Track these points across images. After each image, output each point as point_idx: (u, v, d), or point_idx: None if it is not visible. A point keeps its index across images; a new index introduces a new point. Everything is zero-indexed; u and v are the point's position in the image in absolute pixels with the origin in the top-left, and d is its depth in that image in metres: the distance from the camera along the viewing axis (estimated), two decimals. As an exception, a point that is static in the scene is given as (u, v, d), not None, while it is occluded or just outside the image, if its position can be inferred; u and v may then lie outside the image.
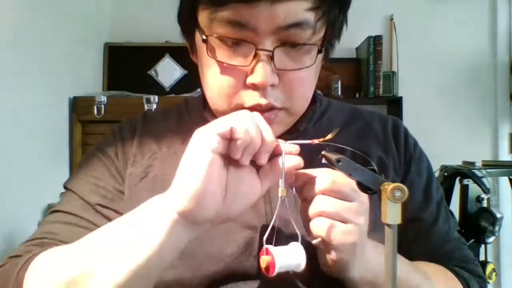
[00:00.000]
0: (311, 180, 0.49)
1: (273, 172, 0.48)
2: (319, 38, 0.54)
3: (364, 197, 0.48)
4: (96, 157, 0.65)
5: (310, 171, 0.49)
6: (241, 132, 0.44)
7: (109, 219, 0.60)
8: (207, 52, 0.53)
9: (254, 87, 0.52)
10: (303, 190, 0.50)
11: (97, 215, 0.60)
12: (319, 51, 0.55)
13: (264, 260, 0.46)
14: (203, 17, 0.53)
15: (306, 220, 0.49)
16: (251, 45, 0.51)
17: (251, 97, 0.53)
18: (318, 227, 0.47)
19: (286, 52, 0.53)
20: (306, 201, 0.49)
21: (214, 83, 0.55)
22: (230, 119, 0.45)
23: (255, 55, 0.51)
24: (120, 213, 0.60)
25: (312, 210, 0.48)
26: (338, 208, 0.46)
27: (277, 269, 0.46)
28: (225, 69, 0.53)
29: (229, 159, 0.46)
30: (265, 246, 0.47)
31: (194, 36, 0.58)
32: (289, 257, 0.47)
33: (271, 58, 0.51)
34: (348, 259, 0.48)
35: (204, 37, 0.53)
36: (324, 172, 0.48)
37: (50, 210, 0.63)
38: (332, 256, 0.48)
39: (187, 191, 0.44)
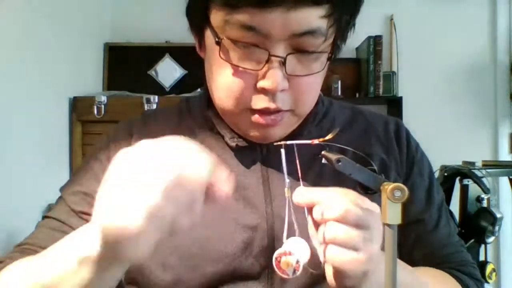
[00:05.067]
0: (321, 202, 0.46)
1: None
2: (329, 44, 0.55)
3: (379, 220, 0.46)
4: (86, 164, 0.66)
5: (321, 193, 0.46)
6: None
7: None
8: (220, 54, 0.53)
9: (264, 91, 0.53)
10: (313, 211, 0.47)
11: (81, 221, 0.61)
12: (329, 58, 0.55)
13: (287, 263, 0.46)
14: (216, 18, 0.53)
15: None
16: (263, 50, 0.51)
17: (261, 101, 0.53)
18: (330, 255, 0.45)
19: (297, 58, 0.53)
20: (317, 222, 0.47)
21: (224, 84, 0.55)
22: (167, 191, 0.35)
23: (268, 60, 0.51)
24: None
25: (325, 235, 0.45)
26: (351, 236, 0.44)
27: (301, 267, 0.46)
28: (236, 71, 0.53)
29: None
30: (286, 248, 0.47)
31: (203, 32, 0.58)
32: (303, 251, 0.47)
33: (283, 64, 0.51)
34: (358, 285, 0.47)
35: (217, 39, 0.53)
36: (337, 198, 0.45)
37: (44, 215, 0.65)
38: (342, 282, 0.46)
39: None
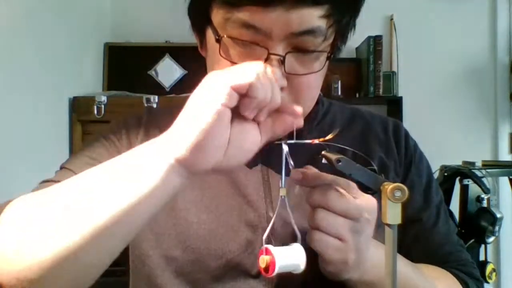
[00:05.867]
0: (317, 188, 0.48)
1: (273, 129, 0.47)
2: (328, 44, 0.55)
3: (370, 213, 0.48)
4: (97, 141, 0.64)
5: (319, 177, 0.48)
6: (259, 92, 0.42)
7: None
8: (220, 52, 0.53)
9: None
10: (309, 195, 0.49)
11: None
12: (328, 58, 0.55)
13: (263, 259, 0.46)
14: (217, 16, 0.53)
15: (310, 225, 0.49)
16: (263, 48, 0.51)
17: None
18: (314, 240, 0.47)
19: (296, 57, 0.53)
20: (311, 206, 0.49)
21: None
22: (248, 73, 0.42)
23: (267, 59, 0.52)
24: None
25: (311, 221, 0.48)
26: (336, 226, 0.46)
27: (277, 270, 0.46)
28: None
29: (235, 112, 0.44)
30: (265, 245, 0.47)
31: (205, 31, 0.58)
32: (289, 258, 0.47)
33: (282, 62, 0.52)
34: (340, 271, 0.49)
35: (217, 37, 0.53)
36: (329, 185, 0.47)
37: (43, 180, 0.60)
38: (323, 267, 0.49)
39: (189, 142, 0.42)
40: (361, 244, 0.47)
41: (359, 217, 0.47)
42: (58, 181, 0.57)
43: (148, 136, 0.65)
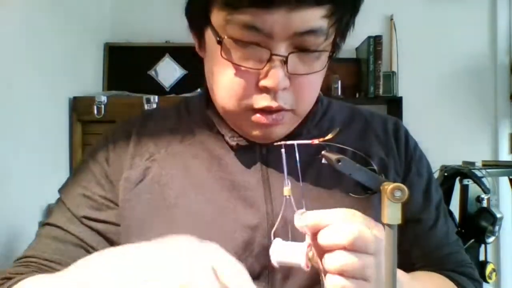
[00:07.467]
0: (328, 227, 0.44)
1: None
2: (329, 43, 0.55)
3: (382, 238, 0.44)
4: (85, 164, 0.65)
5: (327, 215, 0.44)
6: None
7: (97, 231, 0.61)
8: (221, 54, 0.53)
9: (266, 90, 0.53)
10: (319, 235, 0.44)
11: (84, 228, 0.61)
12: (330, 57, 0.56)
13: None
14: (218, 17, 0.53)
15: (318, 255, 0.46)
16: (265, 49, 0.51)
17: (262, 100, 0.54)
18: (337, 285, 0.43)
19: (298, 57, 0.53)
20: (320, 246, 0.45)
21: (226, 83, 0.55)
22: None
23: (269, 59, 0.51)
24: (108, 222, 0.61)
25: (331, 265, 0.43)
26: (362, 267, 0.42)
27: (276, 262, 0.47)
28: (238, 70, 0.53)
29: None
30: (275, 239, 0.47)
31: (203, 32, 0.58)
32: (289, 252, 0.47)
33: (285, 63, 0.52)
34: None
35: (218, 38, 0.53)
36: (345, 221, 0.43)
37: (43, 222, 0.64)
38: None
39: None
40: (382, 275, 0.43)
41: (378, 247, 0.43)
42: (55, 225, 0.61)
43: (139, 149, 0.64)
